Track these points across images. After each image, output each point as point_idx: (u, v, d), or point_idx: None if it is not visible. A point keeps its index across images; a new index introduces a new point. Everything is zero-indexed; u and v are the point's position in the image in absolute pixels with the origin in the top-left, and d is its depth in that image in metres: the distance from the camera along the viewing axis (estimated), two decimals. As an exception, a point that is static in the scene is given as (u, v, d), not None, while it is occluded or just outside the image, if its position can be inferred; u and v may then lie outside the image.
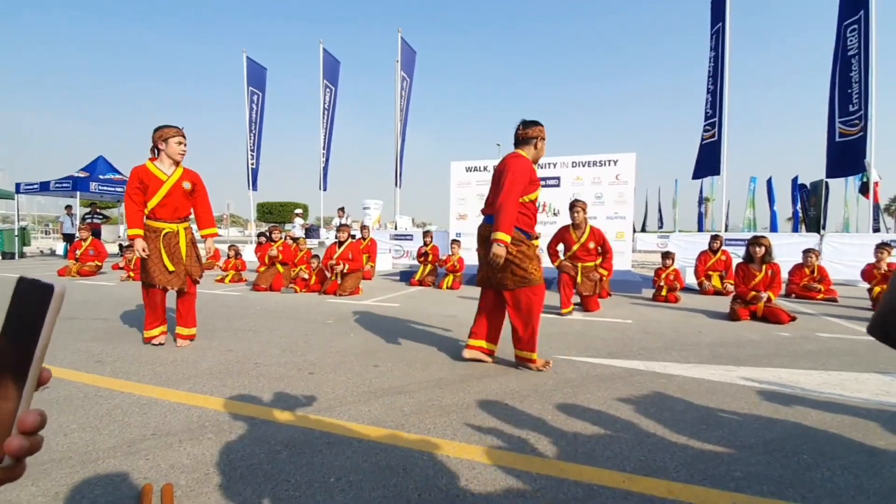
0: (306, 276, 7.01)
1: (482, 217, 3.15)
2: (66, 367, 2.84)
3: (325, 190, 15.58)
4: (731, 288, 7.15)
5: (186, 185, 3.46)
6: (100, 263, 9.06)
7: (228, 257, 8.40)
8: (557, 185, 10.01)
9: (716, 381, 2.77)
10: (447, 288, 7.38)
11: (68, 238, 13.49)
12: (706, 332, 4.27)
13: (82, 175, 13.17)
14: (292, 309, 5.24)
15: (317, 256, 7.21)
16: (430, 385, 2.61)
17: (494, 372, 2.90)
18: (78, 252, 8.86)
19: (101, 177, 13.40)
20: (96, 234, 12.25)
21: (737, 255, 8.42)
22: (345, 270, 6.55)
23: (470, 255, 10.16)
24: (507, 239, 2.79)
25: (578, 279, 5.38)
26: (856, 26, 9.93)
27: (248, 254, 10.91)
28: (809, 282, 7.01)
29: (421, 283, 7.85)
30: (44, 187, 13.05)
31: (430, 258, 8.03)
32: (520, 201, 2.93)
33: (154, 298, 3.44)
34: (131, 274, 8.24)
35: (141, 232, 3.33)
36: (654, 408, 2.31)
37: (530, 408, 2.28)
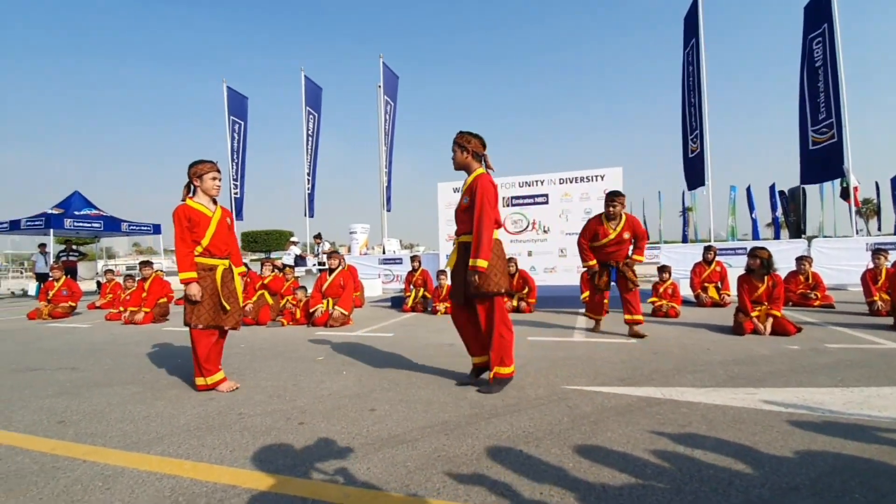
0: (293, 308, 6.70)
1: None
2: (23, 432, 2.52)
3: (311, 216, 15.33)
4: (728, 299, 7.06)
5: (228, 220, 3.40)
6: (74, 304, 8.62)
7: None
8: (546, 203, 9.91)
9: (740, 408, 2.58)
10: (443, 314, 7.11)
11: (41, 278, 12.94)
12: (715, 349, 4.09)
13: (56, 212, 12.75)
14: (280, 346, 4.95)
15: (303, 287, 6.92)
16: (435, 430, 2.36)
17: (503, 410, 2.66)
18: (50, 293, 8.43)
19: (76, 213, 12.99)
20: (71, 272, 11.77)
21: (729, 265, 8.37)
22: (330, 310, 6.25)
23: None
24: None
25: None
26: (820, 39, 10.19)
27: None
28: (805, 289, 6.95)
29: (413, 309, 7.60)
30: (14, 226, 12.57)
31: (424, 288, 7.82)
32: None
33: (211, 340, 3.23)
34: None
35: (195, 275, 3.13)
36: (683, 445, 2.10)
37: (548, 454, 2.04)
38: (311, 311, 6.31)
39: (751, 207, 25.22)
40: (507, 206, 10.15)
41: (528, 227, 9.96)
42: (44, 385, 3.56)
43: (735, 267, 8.31)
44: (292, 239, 15.25)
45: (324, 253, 13.16)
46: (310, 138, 15.10)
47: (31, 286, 14.75)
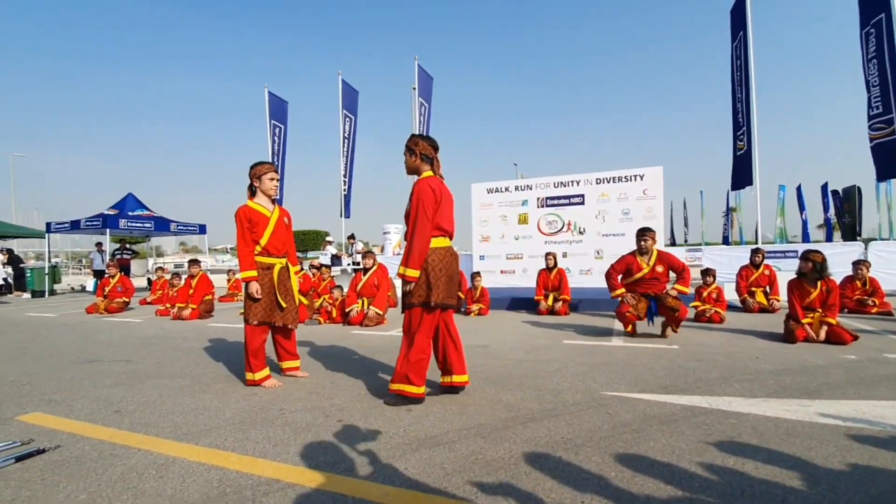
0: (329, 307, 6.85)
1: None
2: (83, 420, 2.68)
3: (347, 217, 15.61)
4: (777, 304, 6.72)
5: (286, 219, 3.53)
6: (127, 300, 9.12)
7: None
8: (582, 203, 9.73)
9: (793, 421, 2.45)
10: (476, 315, 7.10)
11: (98, 274, 13.76)
12: (765, 358, 3.91)
13: (112, 212, 13.49)
14: (318, 344, 5.07)
15: (339, 287, 7.06)
16: (471, 433, 2.36)
17: (540, 415, 2.63)
18: (106, 289, 8.94)
19: (130, 213, 13.70)
20: (125, 270, 12.44)
21: (778, 268, 7.98)
22: (365, 310, 6.33)
23: (494, 279, 9.91)
24: None
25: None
26: (874, 30, 9.59)
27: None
28: (861, 295, 6.55)
29: (447, 309, 7.61)
30: (74, 226, 13.39)
31: (458, 288, 7.82)
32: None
33: (263, 337, 3.37)
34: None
35: (255, 273, 3.28)
36: (732, 458, 2.01)
37: (588, 462, 2.00)
38: (346, 310, 6.43)
39: (801, 208, 23.95)
40: (542, 206, 10.03)
41: (563, 228, 9.81)
42: (101, 376, 3.78)
43: (784, 270, 7.92)
44: (328, 239, 15.59)
45: (357, 253, 13.39)
46: (346, 140, 15.39)
47: (89, 282, 15.69)
